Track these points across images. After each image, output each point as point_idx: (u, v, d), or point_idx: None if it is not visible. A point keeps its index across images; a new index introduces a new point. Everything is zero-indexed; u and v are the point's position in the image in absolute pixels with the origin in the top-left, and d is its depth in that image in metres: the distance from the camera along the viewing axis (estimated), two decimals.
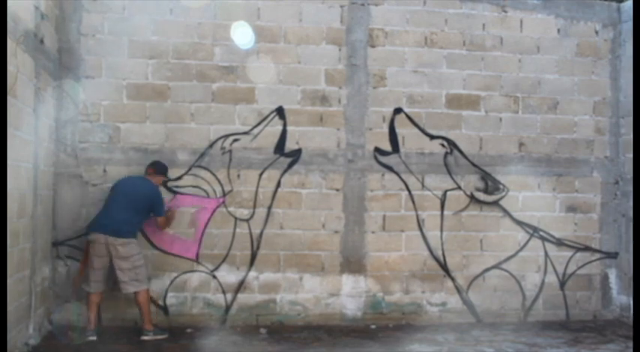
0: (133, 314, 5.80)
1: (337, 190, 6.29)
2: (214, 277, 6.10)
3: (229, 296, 6.11)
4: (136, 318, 5.82)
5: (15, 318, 4.61)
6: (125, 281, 5.40)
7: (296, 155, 6.23)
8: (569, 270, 6.67)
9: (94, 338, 5.37)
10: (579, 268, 6.69)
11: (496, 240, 6.54)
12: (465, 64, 6.51)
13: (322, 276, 6.26)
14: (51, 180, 5.72)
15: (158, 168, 5.79)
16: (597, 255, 6.73)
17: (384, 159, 6.36)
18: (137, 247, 5.50)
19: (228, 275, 6.12)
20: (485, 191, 6.53)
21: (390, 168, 6.37)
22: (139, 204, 5.50)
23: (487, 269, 6.52)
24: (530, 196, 6.61)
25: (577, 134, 6.73)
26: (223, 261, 6.10)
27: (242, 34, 6.13)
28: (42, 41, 5.19)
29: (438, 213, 6.44)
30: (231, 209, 6.13)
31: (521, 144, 6.62)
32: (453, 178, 6.46)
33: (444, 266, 6.44)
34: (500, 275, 6.54)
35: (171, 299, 6.01)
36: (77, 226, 5.86)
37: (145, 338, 5.45)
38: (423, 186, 6.42)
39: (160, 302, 5.97)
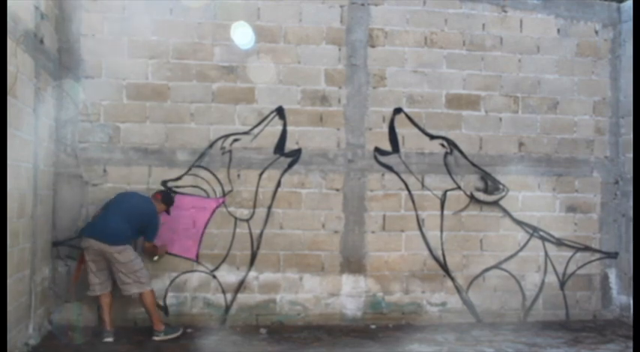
0: (133, 314, 5.82)
1: (337, 190, 6.29)
2: (214, 277, 6.10)
3: (229, 296, 6.11)
4: (135, 318, 5.84)
5: (15, 318, 4.61)
6: (128, 283, 5.38)
7: (296, 155, 6.23)
8: (569, 270, 6.67)
9: (110, 339, 5.36)
10: (579, 268, 6.69)
11: (496, 240, 6.54)
12: (465, 64, 6.52)
13: (322, 276, 6.26)
14: (51, 180, 5.72)
15: (165, 197, 5.76)
16: (597, 255, 6.73)
17: (384, 159, 6.37)
18: (133, 252, 5.44)
19: (228, 275, 6.12)
20: (485, 191, 6.54)
21: (390, 168, 6.37)
22: (135, 219, 5.45)
23: (487, 269, 6.53)
24: (530, 196, 6.61)
25: (577, 134, 6.73)
26: (223, 260, 6.10)
27: (242, 34, 6.13)
28: (42, 41, 5.20)
29: (438, 213, 6.44)
30: (231, 209, 6.13)
31: (521, 144, 6.62)
32: (452, 178, 6.47)
33: (443, 266, 6.44)
34: (500, 275, 6.54)
35: (171, 299, 6.01)
36: (77, 226, 5.85)
37: (157, 339, 5.45)
38: (422, 186, 6.42)
39: (161, 302, 5.96)
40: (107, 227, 5.33)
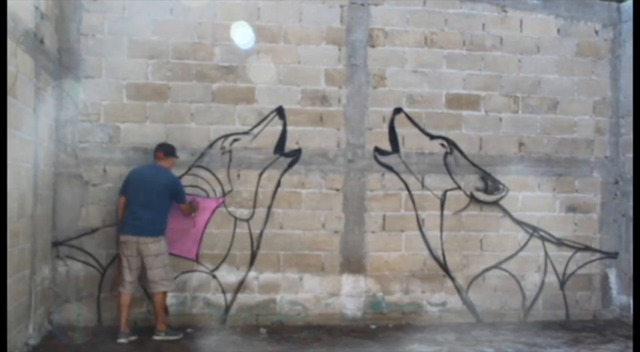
0: (133, 314, 5.80)
1: (337, 190, 6.29)
2: (214, 277, 6.10)
3: (229, 296, 6.11)
4: (136, 318, 5.83)
5: (15, 318, 4.61)
6: (156, 281, 5.47)
7: (296, 155, 6.23)
8: (569, 270, 6.67)
9: (124, 340, 5.35)
10: (579, 268, 6.69)
11: (496, 240, 6.54)
12: (465, 64, 6.51)
13: (322, 276, 6.26)
14: (51, 180, 5.72)
15: (166, 149, 5.72)
16: (597, 255, 6.73)
17: (384, 159, 6.36)
18: (166, 245, 5.56)
19: (228, 275, 6.12)
20: (485, 191, 6.53)
21: (390, 168, 6.37)
22: (159, 196, 5.48)
23: (487, 269, 6.52)
24: (530, 196, 6.61)
25: (577, 134, 6.73)
26: (223, 260, 6.10)
27: (242, 34, 6.13)
28: (42, 41, 5.19)
29: (438, 212, 6.44)
30: (231, 209, 6.13)
31: (521, 144, 6.62)
32: (452, 178, 6.46)
33: (443, 266, 6.44)
34: (500, 275, 6.54)
35: (171, 299, 5.99)
36: (77, 226, 5.86)
37: (157, 338, 5.47)
38: (422, 186, 6.42)
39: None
40: (141, 221, 5.40)
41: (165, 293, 5.56)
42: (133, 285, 5.50)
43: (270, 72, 6.20)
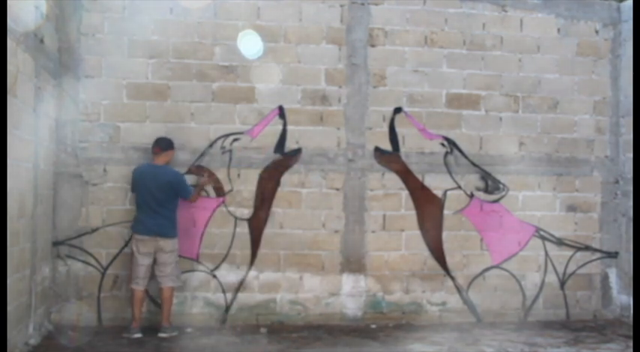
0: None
1: (337, 190, 6.29)
2: (214, 276, 6.10)
3: (229, 295, 6.11)
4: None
5: (15, 318, 4.61)
6: (167, 275, 5.58)
7: (296, 154, 6.23)
8: (570, 270, 6.66)
9: (139, 335, 5.48)
10: (579, 268, 6.68)
11: None
12: (465, 64, 6.51)
13: (322, 276, 6.25)
14: (51, 179, 5.72)
15: (162, 144, 5.75)
16: (597, 255, 6.73)
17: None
18: (178, 242, 5.70)
19: (229, 275, 6.12)
20: (486, 190, 6.53)
21: (390, 168, 6.37)
22: (166, 195, 5.56)
23: (487, 269, 6.52)
24: (530, 196, 6.61)
25: (577, 133, 6.73)
26: (223, 260, 6.10)
27: (250, 43, 6.11)
28: (42, 41, 5.19)
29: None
30: (231, 208, 6.13)
31: (521, 144, 6.61)
32: (453, 178, 6.46)
33: (444, 266, 6.44)
34: (500, 274, 6.54)
35: None
36: (77, 226, 5.86)
37: (163, 335, 5.54)
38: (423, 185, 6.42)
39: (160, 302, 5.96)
40: (156, 222, 5.53)
41: (173, 289, 5.64)
42: (145, 281, 5.59)
43: (270, 71, 6.20)
